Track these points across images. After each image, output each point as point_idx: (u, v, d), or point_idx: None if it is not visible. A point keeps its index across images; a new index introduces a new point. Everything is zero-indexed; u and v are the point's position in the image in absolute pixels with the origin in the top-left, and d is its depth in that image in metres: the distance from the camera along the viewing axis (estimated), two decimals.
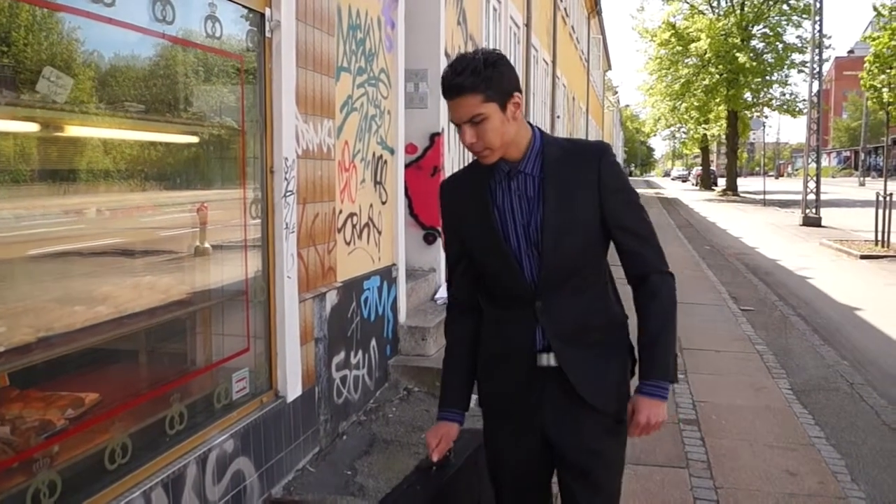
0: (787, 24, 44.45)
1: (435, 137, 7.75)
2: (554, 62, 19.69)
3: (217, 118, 4.07)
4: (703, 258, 15.83)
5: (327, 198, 5.07)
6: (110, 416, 3.24)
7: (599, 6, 35.92)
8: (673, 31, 45.71)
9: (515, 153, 2.42)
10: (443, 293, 7.64)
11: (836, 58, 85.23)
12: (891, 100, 23.59)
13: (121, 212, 3.52)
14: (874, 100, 24.21)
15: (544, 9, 17.61)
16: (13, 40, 2.76)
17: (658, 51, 47.50)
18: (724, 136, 50.56)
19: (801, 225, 25.12)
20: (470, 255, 2.58)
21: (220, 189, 4.17)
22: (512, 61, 10.14)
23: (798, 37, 45.06)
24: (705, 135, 51.98)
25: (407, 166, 7.24)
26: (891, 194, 17.07)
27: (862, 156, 70.77)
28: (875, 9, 23.96)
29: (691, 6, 47.28)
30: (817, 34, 25.65)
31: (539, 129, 2.51)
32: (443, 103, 7.74)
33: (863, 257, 16.68)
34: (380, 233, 6.28)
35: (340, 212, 5.36)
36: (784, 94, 46.27)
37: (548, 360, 2.46)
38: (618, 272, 2.61)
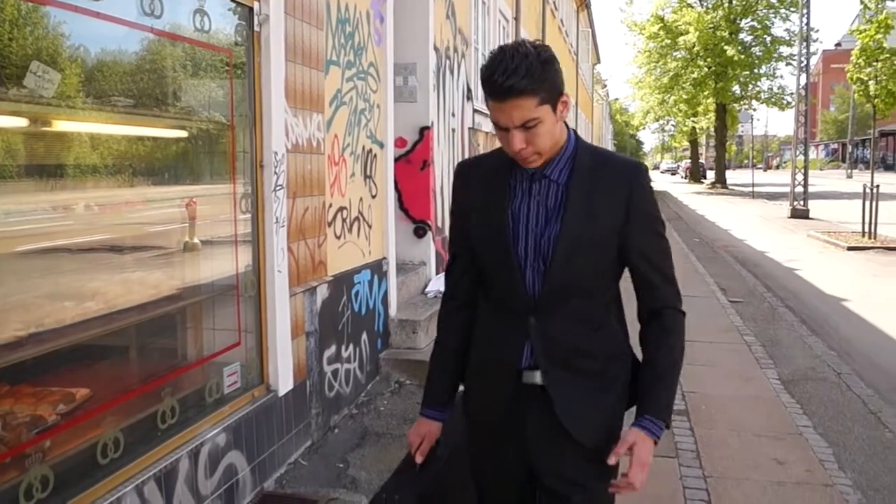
0: (775, 18, 44.67)
1: (424, 131, 7.76)
2: None
3: (206, 113, 4.06)
4: (693, 250, 15.89)
5: (317, 192, 5.08)
6: (102, 411, 3.25)
7: None
8: (662, 25, 45.80)
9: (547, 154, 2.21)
10: (433, 286, 7.66)
11: (824, 51, 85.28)
12: (877, 92, 23.68)
13: (110, 207, 3.51)
14: (861, 92, 24.28)
15: (533, 2, 17.61)
16: None
17: (647, 44, 47.60)
18: (712, 129, 50.80)
19: (789, 217, 25.25)
20: (473, 251, 2.38)
21: (210, 184, 4.17)
22: None
23: (786, 30, 45.28)
24: (694, 128, 52.17)
25: (396, 160, 7.25)
26: (877, 186, 17.15)
27: (849, 148, 71.06)
28: (862, 1, 24.03)
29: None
30: (805, 27, 25.76)
31: (574, 132, 2.30)
32: (432, 97, 7.79)
33: (850, 249, 16.80)
34: (370, 227, 6.29)
35: (330, 206, 5.37)
36: (772, 87, 46.63)
37: (534, 378, 2.27)
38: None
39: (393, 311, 6.70)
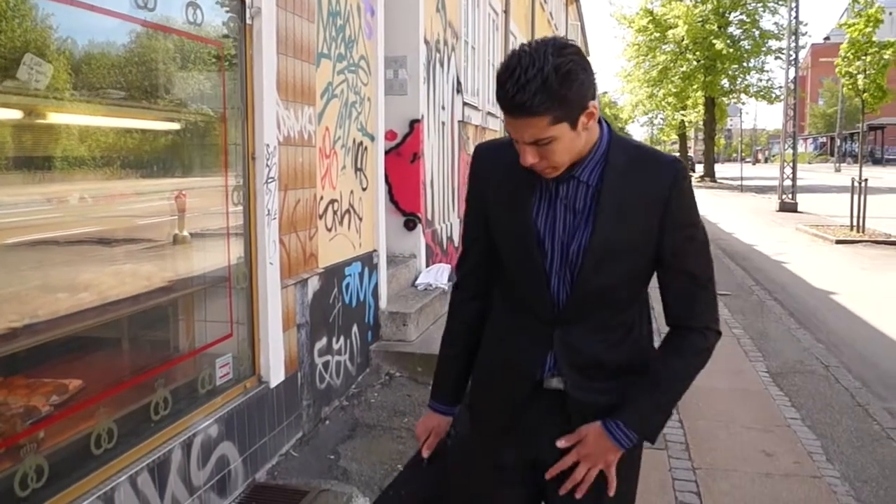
0: (764, 11, 44.68)
1: (414, 124, 7.76)
2: None
3: (198, 105, 4.07)
4: None
5: (308, 184, 5.09)
6: (95, 402, 3.26)
7: None
8: (650, 18, 45.82)
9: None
10: (423, 279, 7.68)
11: (813, 45, 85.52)
12: (866, 86, 23.79)
13: (103, 199, 3.52)
14: (849, 86, 24.39)
15: None
16: None
17: (636, 37, 47.60)
18: (701, 123, 50.87)
19: (777, 210, 25.35)
20: (491, 241, 2.19)
21: (202, 176, 4.17)
22: (491, 48, 10.14)
23: (775, 23, 45.38)
24: (683, 121, 52.22)
25: (387, 153, 7.25)
26: (866, 180, 17.26)
27: (838, 142, 71.26)
28: None
29: None
30: (794, 21, 25.84)
31: (608, 126, 2.06)
32: (422, 90, 7.80)
33: (838, 242, 16.89)
34: (360, 219, 6.30)
35: (321, 198, 5.38)
36: (761, 81, 46.68)
37: (557, 383, 2.10)
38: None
39: (383, 303, 6.72)
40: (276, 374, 4.56)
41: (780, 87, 40.45)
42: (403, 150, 7.80)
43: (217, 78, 4.16)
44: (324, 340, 5.36)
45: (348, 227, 6.00)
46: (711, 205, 29.38)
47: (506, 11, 14.36)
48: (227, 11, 4.19)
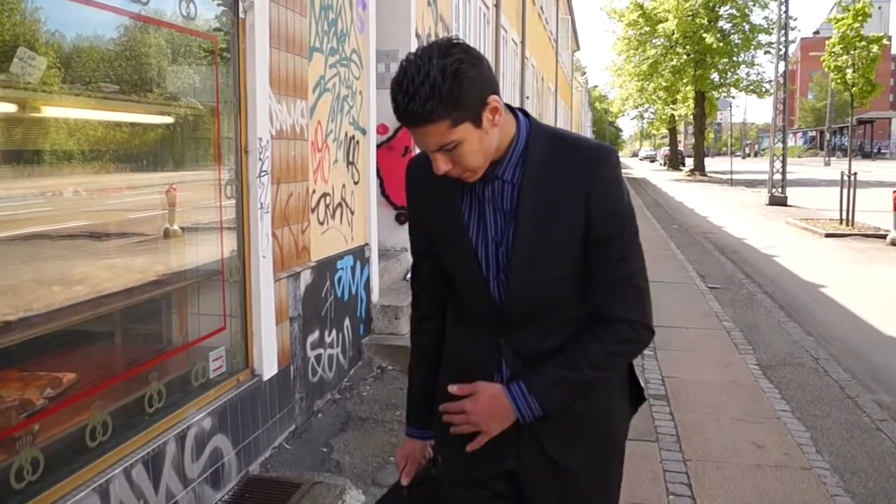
0: (754, 5, 44.79)
1: None
2: (523, 43, 19.71)
3: (191, 99, 4.07)
4: (672, 237, 15.99)
5: (301, 178, 5.10)
6: (89, 395, 3.26)
7: None
8: (641, 12, 45.95)
9: (495, 154, 1.92)
10: None
11: (802, 39, 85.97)
12: (855, 80, 23.84)
13: (96, 193, 3.52)
14: (838, 81, 24.45)
15: None
16: None
17: (626, 31, 47.72)
18: (691, 117, 51.01)
19: (767, 204, 25.43)
20: (437, 255, 2.16)
21: (195, 170, 4.18)
22: (482, 42, 10.14)
23: (764, 18, 45.30)
24: (673, 115, 52.42)
25: (378, 147, 7.26)
26: (855, 174, 17.33)
27: (827, 136, 71.57)
28: None
29: None
30: (783, 15, 25.94)
31: (526, 118, 1.99)
32: None
33: (828, 236, 16.96)
34: (352, 213, 6.31)
35: (314, 192, 5.38)
36: (750, 75, 46.79)
37: None
38: None
39: (375, 296, 6.73)
40: (269, 367, 4.57)
41: (770, 81, 40.61)
42: (395, 144, 7.81)
43: (210, 72, 4.16)
44: (316, 334, 5.37)
45: (340, 221, 6.01)
46: (701, 198, 29.51)
47: (496, 6, 14.38)
48: (220, 5, 4.19)
